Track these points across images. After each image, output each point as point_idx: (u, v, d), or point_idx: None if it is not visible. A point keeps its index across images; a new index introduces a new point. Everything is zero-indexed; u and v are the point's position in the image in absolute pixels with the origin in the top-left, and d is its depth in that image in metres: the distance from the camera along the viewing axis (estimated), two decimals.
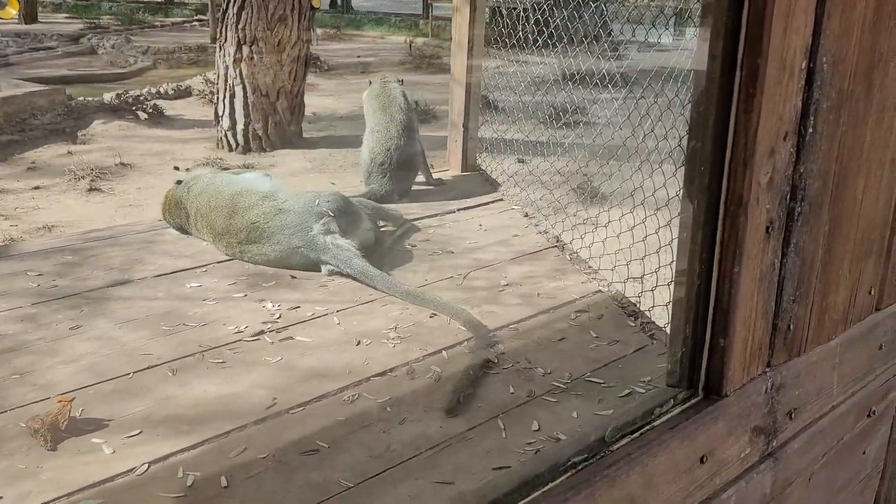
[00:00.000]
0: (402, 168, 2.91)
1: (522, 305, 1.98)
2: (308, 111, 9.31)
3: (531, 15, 3.55)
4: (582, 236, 2.41)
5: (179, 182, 2.45)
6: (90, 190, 6.71)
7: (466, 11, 3.15)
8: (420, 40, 14.04)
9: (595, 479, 1.09)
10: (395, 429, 1.42)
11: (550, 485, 1.09)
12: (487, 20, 3.52)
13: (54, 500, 1.19)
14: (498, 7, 3.50)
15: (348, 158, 7.76)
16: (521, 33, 3.41)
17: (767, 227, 1.12)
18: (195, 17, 16.80)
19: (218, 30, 8.47)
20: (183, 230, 2.38)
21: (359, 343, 1.74)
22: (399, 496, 1.23)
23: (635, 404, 1.35)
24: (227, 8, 7.61)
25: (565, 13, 3.71)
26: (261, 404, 1.48)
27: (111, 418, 1.41)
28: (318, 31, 14.41)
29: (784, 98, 1.04)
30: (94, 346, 1.67)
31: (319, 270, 2.12)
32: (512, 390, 1.56)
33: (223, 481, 1.25)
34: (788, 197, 1.13)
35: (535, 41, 3.37)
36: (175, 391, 1.52)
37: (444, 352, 1.72)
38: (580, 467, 1.11)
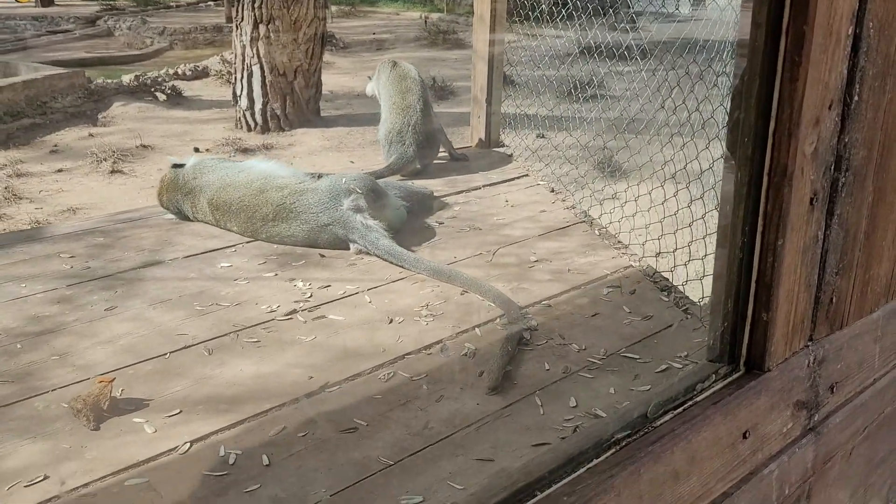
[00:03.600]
0: (422, 140, 2.92)
1: (553, 281, 1.97)
2: (325, 89, 9.29)
3: None
4: (610, 211, 2.40)
5: (178, 166, 2.43)
6: (112, 172, 6.76)
7: None
8: (435, 16, 13.92)
9: (640, 454, 1.09)
10: (432, 406, 1.42)
11: (595, 461, 1.09)
12: None
13: (100, 478, 1.21)
14: None
15: (366, 136, 7.74)
16: (542, 6, 3.37)
17: (811, 199, 1.10)
18: None
19: (234, 9, 8.45)
20: (181, 214, 2.37)
21: (391, 321, 1.75)
22: (440, 473, 1.24)
23: (676, 380, 1.35)
24: None
25: None
26: (297, 383, 1.49)
27: (151, 398, 1.43)
28: (333, 8, 14.34)
29: (830, 66, 1.02)
30: (130, 327, 1.69)
31: (348, 248, 2.12)
32: (547, 367, 1.57)
33: (265, 459, 1.26)
34: (833, 167, 1.11)
35: (555, 15, 3.33)
36: (212, 371, 1.53)
37: (476, 329, 1.72)
38: (624, 443, 1.11)
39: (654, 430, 1.13)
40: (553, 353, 1.62)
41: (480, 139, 3.33)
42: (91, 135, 7.97)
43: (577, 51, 4.26)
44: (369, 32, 14.14)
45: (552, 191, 2.74)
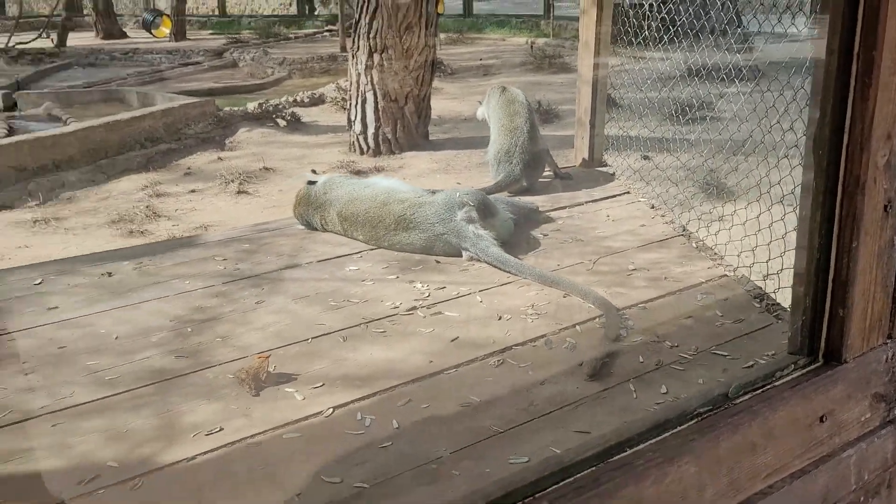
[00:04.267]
0: (528, 159, 3.15)
1: (649, 288, 2.15)
2: (434, 114, 9.68)
3: (657, 12, 3.65)
4: (707, 225, 2.53)
5: (311, 183, 2.77)
6: (238, 192, 7.34)
7: (593, 12, 3.33)
8: (541, 41, 14.14)
9: (719, 425, 1.26)
10: (536, 388, 1.63)
11: (678, 428, 1.26)
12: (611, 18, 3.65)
13: (262, 432, 1.49)
14: (622, 5, 3.62)
15: (473, 159, 8.02)
16: (646, 31, 3.53)
17: (885, 206, 1.24)
18: (326, 28, 17.67)
19: (351, 40, 8.95)
20: (310, 225, 2.70)
21: (500, 318, 1.97)
22: (543, 442, 1.44)
23: (757, 367, 1.52)
24: (359, 19, 8.07)
25: (691, 10, 3.78)
26: (419, 366, 1.74)
27: (298, 373, 1.71)
28: (442, 36, 14.86)
29: None
30: (276, 317, 1.99)
31: (460, 256, 2.36)
32: (641, 359, 1.74)
33: (394, 423, 1.51)
34: None
35: (661, 38, 3.48)
36: (347, 354, 1.80)
37: (577, 326, 1.92)
38: (705, 415, 1.28)
39: (733, 406, 1.29)
40: (647, 348, 1.80)
41: (584, 159, 3.53)
42: (220, 158, 8.64)
43: (683, 73, 4.36)
44: (476, 58, 14.53)
45: (652, 207, 2.90)
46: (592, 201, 2.98)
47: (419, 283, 2.20)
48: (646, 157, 3.65)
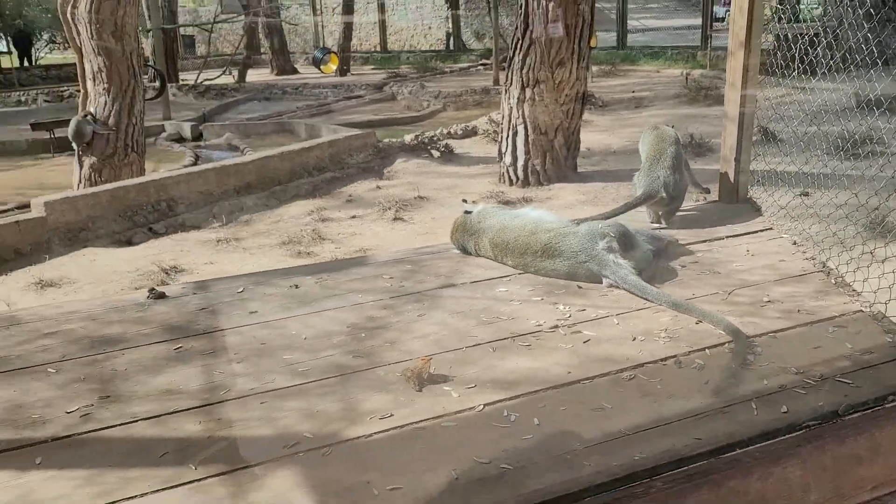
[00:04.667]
0: (670, 181, 3.35)
1: (781, 319, 2.29)
2: (583, 147, 9.87)
3: (821, 38, 3.68)
4: (851, 260, 2.61)
5: (468, 212, 3.10)
6: (395, 219, 7.91)
7: (741, 53, 3.47)
8: (697, 72, 13.99)
9: (825, 435, 1.45)
10: (663, 401, 1.84)
11: (787, 436, 1.46)
12: (771, 47, 3.71)
13: (425, 419, 1.80)
14: (784, 34, 3.69)
15: (621, 191, 8.16)
16: (810, 59, 3.55)
17: None
18: (480, 62, 18.38)
19: (505, 74, 9.35)
20: (465, 251, 3.02)
21: (634, 339, 2.19)
22: (665, 444, 1.66)
23: (869, 391, 1.68)
24: (513, 55, 8.47)
25: (859, 35, 3.73)
26: (558, 375, 1.99)
27: (454, 376, 2.01)
28: (594, 68, 15.02)
29: None
30: (436, 328, 2.32)
31: (601, 282, 2.60)
32: (765, 382, 1.91)
33: (535, 420, 1.77)
34: None
35: (826, 66, 3.48)
36: (495, 362, 2.09)
37: (707, 350, 2.10)
38: (813, 427, 1.47)
39: (840, 422, 1.47)
40: (772, 372, 1.96)
41: (728, 195, 3.64)
42: (378, 187, 9.28)
43: (842, 105, 4.30)
44: (628, 91, 14.57)
45: (794, 243, 3.00)
46: (733, 236, 3.12)
47: (562, 305, 2.46)
48: (804, 194, 3.69)
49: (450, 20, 22.07)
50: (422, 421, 1.80)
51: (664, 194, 3.32)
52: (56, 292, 5.00)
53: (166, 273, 5.22)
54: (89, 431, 1.79)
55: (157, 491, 1.55)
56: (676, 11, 24.34)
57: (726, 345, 2.13)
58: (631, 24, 19.51)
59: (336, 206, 8.48)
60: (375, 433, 1.76)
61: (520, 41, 8.25)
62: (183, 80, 16.60)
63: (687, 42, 17.88)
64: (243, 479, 1.59)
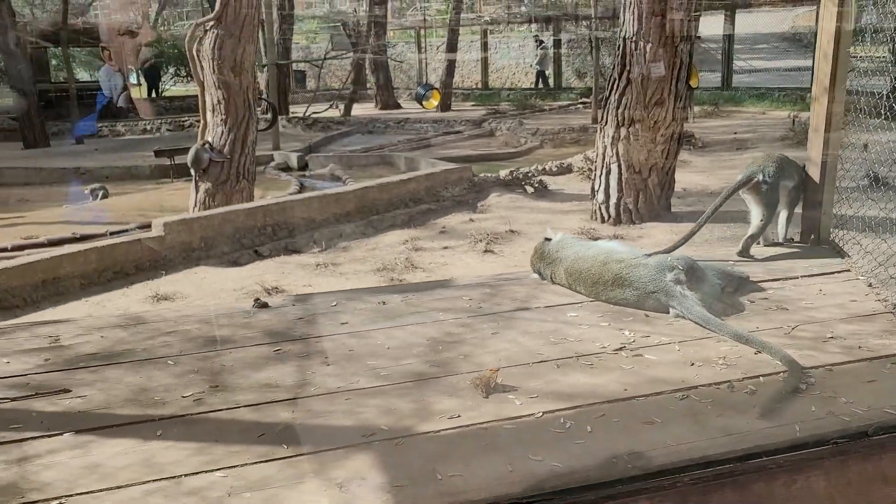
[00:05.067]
0: (769, 175, 3.62)
1: (841, 354, 2.39)
2: (678, 187, 9.90)
3: None
4: None
5: (548, 239, 3.31)
6: (485, 251, 8.18)
7: (824, 99, 3.57)
8: (805, 115, 13.71)
9: (850, 451, 1.60)
10: (711, 419, 2.00)
11: (813, 449, 1.62)
12: (890, 91, 3.72)
13: (488, 421, 2.02)
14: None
15: (714, 233, 8.14)
16: None
17: None
18: (579, 101, 18.59)
19: (600, 113, 9.54)
20: (541, 275, 3.23)
21: (692, 364, 2.35)
22: (699, 450, 1.81)
23: None
24: (609, 94, 8.66)
25: None
26: (615, 391, 2.18)
27: (519, 386, 2.23)
28: (696, 108, 14.96)
29: None
30: (507, 345, 2.54)
31: (667, 312, 2.76)
32: (813, 408, 2.03)
33: (588, 428, 1.97)
34: None
35: None
36: (558, 377, 2.29)
37: (761, 377, 2.24)
38: (840, 443, 1.62)
39: (867, 440, 1.62)
40: (822, 402, 2.08)
41: (811, 237, 3.72)
42: (471, 220, 9.59)
43: None
44: (730, 132, 14.42)
45: (869, 285, 3.06)
46: (807, 276, 3.21)
47: (627, 331, 2.64)
48: None
49: (550, 59, 22.43)
50: (485, 422, 2.03)
51: (761, 178, 3.51)
52: (170, 306, 5.50)
53: (268, 293, 5.66)
54: (200, 413, 2.11)
55: (255, 463, 1.84)
56: (787, 52, 23.83)
57: (781, 374, 2.26)
58: (738, 64, 19.30)
59: (429, 237, 8.84)
60: (443, 430, 2.00)
61: (616, 81, 8.43)
62: (292, 112, 17.57)
63: (796, 83, 17.50)
64: (326, 458, 1.86)
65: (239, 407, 2.15)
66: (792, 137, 12.23)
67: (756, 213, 3.70)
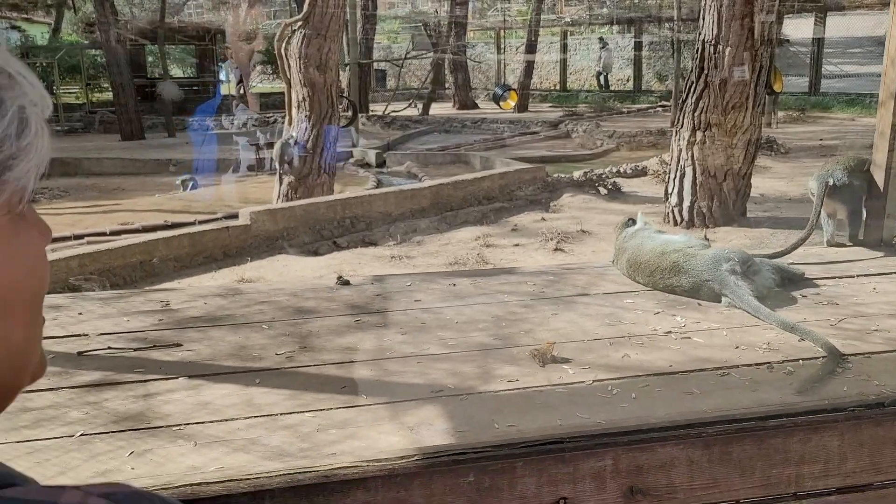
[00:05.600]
0: (838, 178, 3.85)
1: (882, 344, 2.56)
2: (756, 192, 9.92)
3: None
4: None
5: (631, 221, 3.56)
6: (555, 250, 8.42)
7: (891, 103, 3.69)
8: None
9: (864, 417, 1.82)
10: (747, 393, 2.22)
11: (829, 415, 1.85)
12: None
13: (542, 385, 2.30)
14: None
15: (790, 238, 8.13)
16: None
17: None
18: (659, 104, 18.54)
19: (676, 116, 9.62)
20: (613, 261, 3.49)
21: (737, 347, 2.57)
22: (732, 417, 2.04)
23: None
24: (686, 98, 8.75)
25: None
26: (661, 367, 2.42)
27: (573, 359, 2.49)
28: (780, 114, 14.74)
29: None
30: (564, 325, 2.81)
31: (720, 302, 2.97)
32: (845, 388, 2.23)
33: (633, 394, 2.22)
34: None
35: None
36: (610, 353, 2.55)
37: (801, 360, 2.44)
38: (854, 410, 1.85)
39: (880, 409, 1.84)
40: (856, 383, 2.26)
41: (875, 239, 3.83)
42: (543, 219, 9.82)
43: None
44: (816, 138, 14.17)
45: None
46: (864, 275, 3.35)
47: (679, 317, 2.87)
48: None
49: (632, 61, 22.36)
50: (540, 386, 2.30)
51: (832, 181, 3.70)
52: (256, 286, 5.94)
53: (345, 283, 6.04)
54: (292, 367, 2.46)
55: (339, 408, 2.17)
56: (881, 57, 23.04)
57: (820, 359, 2.45)
58: (828, 69, 18.83)
59: (501, 234, 9.11)
60: (502, 390, 2.28)
61: (694, 84, 8.53)
62: (372, 110, 18.14)
63: None
64: (399, 407, 2.17)
65: (325, 364, 2.48)
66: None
67: (841, 212, 3.89)
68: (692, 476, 1.76)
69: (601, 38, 22.80)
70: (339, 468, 1.61)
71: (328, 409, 2.17)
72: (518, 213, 10.00)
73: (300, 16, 9.42)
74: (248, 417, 2.12)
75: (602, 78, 22.35)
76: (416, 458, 1.68)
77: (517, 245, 8.89)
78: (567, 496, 1.72)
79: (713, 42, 8.35)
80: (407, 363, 2.50)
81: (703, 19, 8.40)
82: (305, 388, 2.31)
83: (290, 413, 2.14)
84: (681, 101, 9.47)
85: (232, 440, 1.99)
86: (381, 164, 13.18)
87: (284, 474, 1.60)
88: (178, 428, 2.06)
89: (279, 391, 2.29)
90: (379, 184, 11.91)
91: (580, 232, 8.84)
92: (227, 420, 2.10)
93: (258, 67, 20.93)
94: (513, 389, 2.29)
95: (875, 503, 1.87)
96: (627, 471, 1.75)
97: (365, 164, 13.32)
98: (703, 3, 8.37)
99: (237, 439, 2.00)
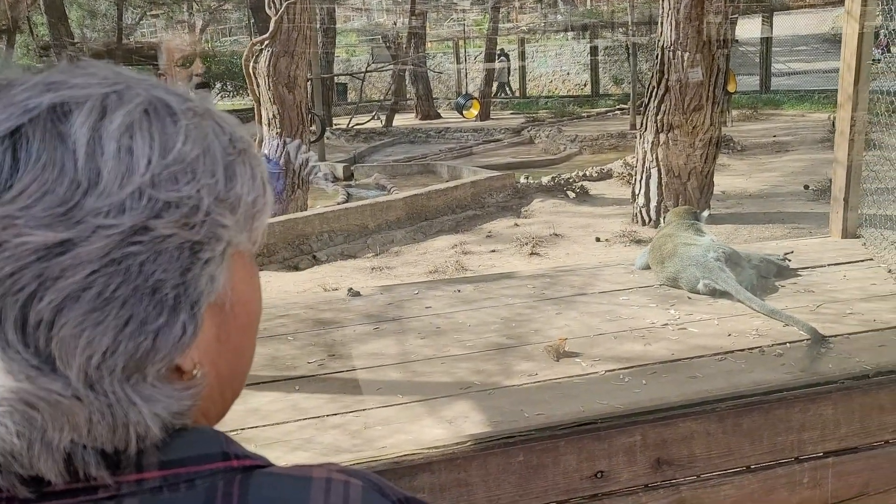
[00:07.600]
0: None
1: (858, 325, 2.86)
2: (717, 190, 10.32)
3: None
4: None
5: (698, 214, 3.88)
6: (531, 254, 8.71)
7: (848, 105, 4.04)
8: None
9: (854, 387, 2.09)
10: (744, 374, 2.49)
11: (822, 387, 2.11)
12: None
13: (557, 378, 2.54)
14: None
15: (753, 233, 8.58)
16: None
17: None
18: (617, 107, 19.05)
19: (640, 120, 10.00)
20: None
21: (729, 335, 2.84)
22: (740, 394, 2.30)
23: None
24: (648, 101, 9.12)
25: None
26: (664, 356, 2.68)
27: (583, 353, 2.74)
28: (734, 112, 15.30)
29: None
30: (569, 322, 3.06)
31: (706, 291, 3.26)
32: (830, 366, 2.51)
33: (643, 381, 2.47)
34: None
35: None
36: (616, 346, 2.80)
37: (787, 343, 2.73)
38: (844, 382, 2.11)
39: (867, 379, 2.11)
40: (839, 361, 2.55)
41: (838, 231, 4.17)
42: (516, 224, 10.10)
43: None
44: (769, 135, 14.73)
45: (889, 272, 3.51)
46: (834, 264, 3.67)
47: (673, 310, 3.14)
48: None
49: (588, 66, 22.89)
50: (558, 378, 2.54)
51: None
52: None
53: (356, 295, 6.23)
54: (326, 374, 2.66)
55: (379, 407, 2.38)
56: (827, 54, 23.96)
57: (804, 341, 2.74)
58: (776, 67, 19.57)
59: (476, 241, 9.37)
60: (525, 384, 2.52)
61: (655, 88, 8.89)
62: (336, 124, 18.30)
63: (836, 85, 17.70)
64: (434, 404, 2.39)
65: (356, 370, 2.69)
66: (831, 140, 12.53)
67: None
68: (710, 446, 2.01)
69: (502, 50, 23.14)
70: (407, 455, 1.82)
71: (369, 409, 2.37)
72: (491, 219, 10.27)
73: (267, 34, 9.56)
74: (298, 420, 2.32)
75: (502, 87, 23.00)
76: (470, 443, 1.90)
77: (493, 251, 9.15)
78: (603, 469, 1.96)
79: (671, 48, 8.74)
80: (432, 364, 2.72)
81: (662, 26, 8.78)
82: (343, 392, 2.52)
83: (335, 414, 2.35)
84: (643, 104, 9.86)
85: (289, 440, 2.19)
86: (349, 177, 13.35)
87: (357, 463, 1.81)
88: (234, 433, 2.25)
89: (319, 395, 2.49)
90: (349, 197, 12.06)
91: (553, 235, 9.15)
92: (279, 423, 2.30)
93: (217, 85, 20.91)
94: (534, 383, 2.53)
95: (865, 463, 2.15)
96: (654, 444, 2.00)
97: (333, 178, 13.47)
98: (661, 10, 8.76)
99: (293, 440, 2.20)
